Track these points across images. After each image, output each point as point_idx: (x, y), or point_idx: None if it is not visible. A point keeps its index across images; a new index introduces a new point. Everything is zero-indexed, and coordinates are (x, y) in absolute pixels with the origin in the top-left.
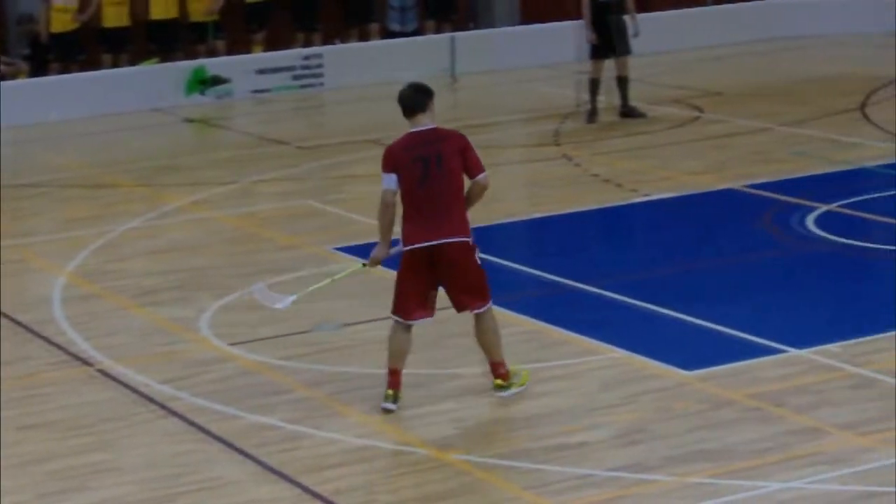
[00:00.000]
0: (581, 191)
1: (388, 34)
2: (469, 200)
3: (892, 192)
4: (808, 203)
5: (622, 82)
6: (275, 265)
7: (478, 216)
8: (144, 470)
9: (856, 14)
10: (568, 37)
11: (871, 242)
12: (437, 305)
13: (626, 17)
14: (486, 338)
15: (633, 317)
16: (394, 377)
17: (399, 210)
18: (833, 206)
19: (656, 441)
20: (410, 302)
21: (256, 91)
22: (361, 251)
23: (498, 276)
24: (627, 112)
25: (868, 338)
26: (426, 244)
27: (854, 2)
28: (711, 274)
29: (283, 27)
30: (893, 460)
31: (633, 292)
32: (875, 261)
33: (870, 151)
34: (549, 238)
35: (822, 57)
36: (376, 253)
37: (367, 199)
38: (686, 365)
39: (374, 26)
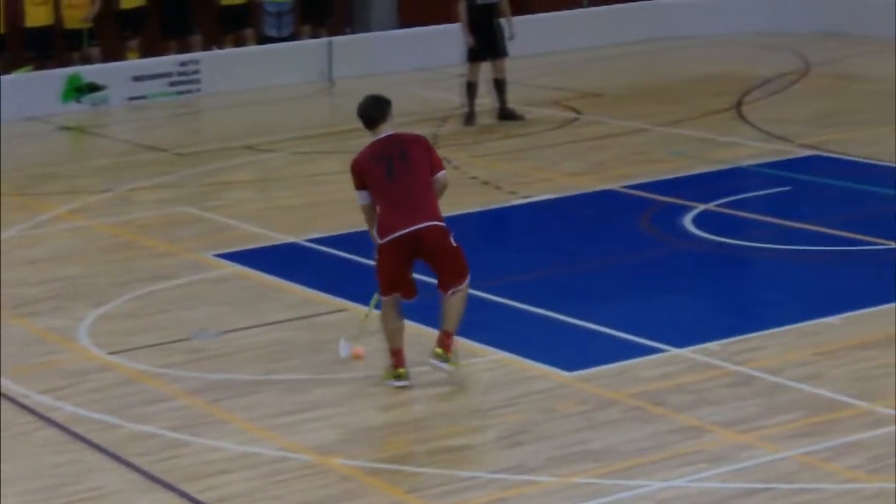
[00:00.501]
0: (461, 193)
1: (264, 39)
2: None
3: (768, 191)
4: (685, 203)
5: (500, 85)
6: (153, 273)
7: (357, 220)
8: (25, 481)
9: (730, 14)
10: (445, 40)
11: (748, 241)
12: (310, 312)
13: (503, 20)
14: (451, 304)
15: (514, 319)
16: (398, 356)
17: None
18: (710, 206)
19: (539, 442)
20: (398, 283)
21: (133, 98)
22: (240, 257)
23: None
24: (505, 114)
25: (746, 336)
26: (408, 230)
27: (728, 2)
28: (591, 275)
29: (159, 33)
30: (772, 457)
31: (514, 294)
32: (752, 259)
33: (746, 151)
34: None
35: (697, 57)
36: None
37: (244, 204)
38: (568, 366)
39: (250, 32)
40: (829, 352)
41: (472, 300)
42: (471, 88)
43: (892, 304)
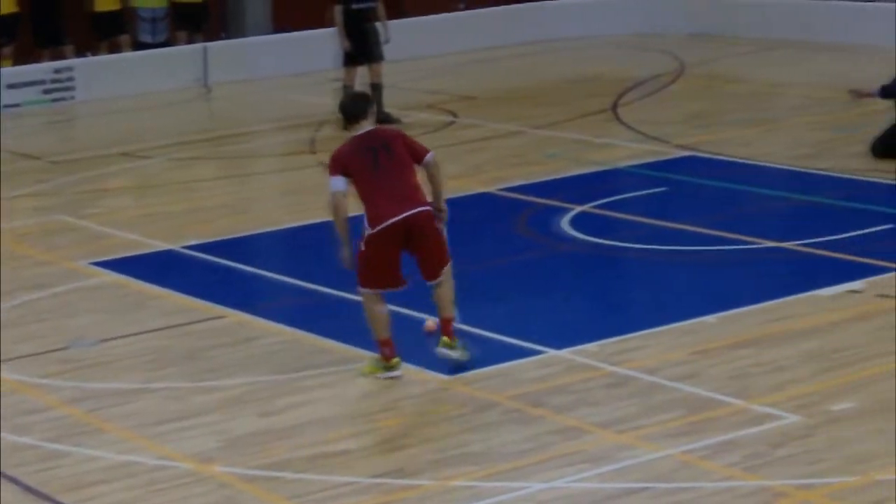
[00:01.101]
0: None
1: (139, 46)
2: (434, 183)
3: (645, 192)
4: (562, 205)
5: (376, 89)
6: (31, 282)
7: (235, 226)
8: None
9: (604, 16)
10: (321, 44)
11: (625, 242)
12: (188, 319)
13: (378, 24)
14: (444, 290)
15: (393, 323)
16: (389, 346)
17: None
18: (587, 207)
19: (419, 446)
20: (387, 275)
21: (7, 106)
22: (117, 265)
23: (256, 285)
24: (382, 118)
25: (624, 336)
26: (399, 218)
27: (602, 3)
28: (470, 278)
29: (32, 41)
30: (651, 456)
31: (391, 298)
32: (629, 260)
33: (621, 152)
34: (307, 246)
35: (573, 59)
36: (342, 255)
37: (121, 212)
38: (447, 369)
39: (125, 38)
40: (705, 351)
41: (350, 306)
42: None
43: (768, 303)
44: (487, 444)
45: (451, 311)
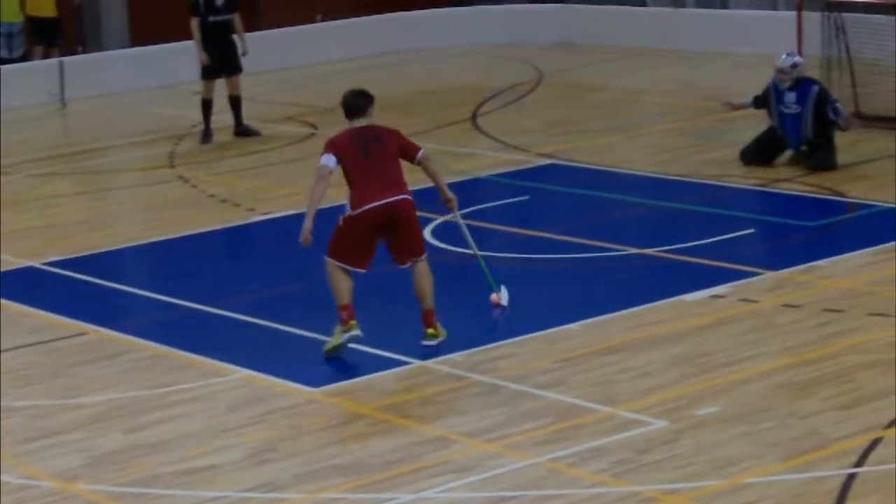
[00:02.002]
0: (199, 212)
1: None
2: (434, 176)
3: (507, 201)
4: (425, 214)
5: (235, 102)
6: None
7: (95, 242)
8: None
9: (461, 26)
10: (179, 57)
11: (489, 251)
12: (52, 336)
13: (236, 37)
14: (423, 281)
15: (257, 336)
16: (347, 311)
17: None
18: (449, 217)
19: (287, 459)
20: (355, 254)
21: None
22: None
23: (119, 301)
24: (242, 131)
25: (490, 345)
26: (383, 202)
27: (459, 14)
28: None
29: None
30: (520, 464)
31: (257, 311)
32: (494, 269)
33: (483, 161)
34: (169, 261)
35: (432, 69)
36: (305, 225)
37: None
38: (314, 382)
39: None
40: (571, 358)
41: (213, 318)
42: (206, 106)
43: (632, 309)
44: (356, 455)
45: (430, 302)
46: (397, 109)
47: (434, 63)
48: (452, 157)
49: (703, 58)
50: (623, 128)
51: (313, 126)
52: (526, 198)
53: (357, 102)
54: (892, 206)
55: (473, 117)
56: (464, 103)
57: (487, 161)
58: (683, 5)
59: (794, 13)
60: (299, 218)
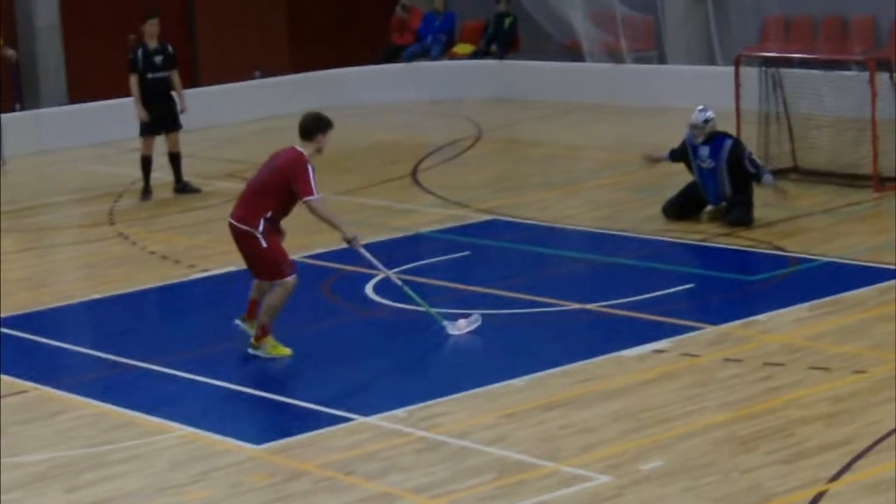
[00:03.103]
0: (139, 269)
1: None
2: (326, 222)
3: (447, 257)
4: (366, 271)
5: (174, 158)
6: None
7: (36, 300)
8: None
9: (399, 82)
10: (117, 114)
11: (430, 307)
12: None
13: (175, 93)
14: (266, 298)
15: (199, 393)
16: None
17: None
18: (391, 273)
19: None
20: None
21: None
22: None
23: (60, 358)
24: (182, 188)
25: (433, 401)
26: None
27: (397, 70)
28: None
29: None
30: None
31: (198, 368)
32: (435, 324)
33: (423, 217)
34: (109, 318)
35: (372, 126)
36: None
37: None
38: (256, 439)
39: None
40: (514, 414)
41: (154, 376)
42: (145, 163)
43: (574, 364)
44: None
45: (261, 318)
46: (336, 166)
47: (372, 119)
48: (393, 213)
49: (642, 113)
50: (562, 183)
51: None
52: (466, 253)
53: (301, 123)
54: (830, 260)
55: (413, 173)
56: (403, 159)
57: (428, 217)
58: (622, 61)
59: (731, 68)
60: (239, 275)
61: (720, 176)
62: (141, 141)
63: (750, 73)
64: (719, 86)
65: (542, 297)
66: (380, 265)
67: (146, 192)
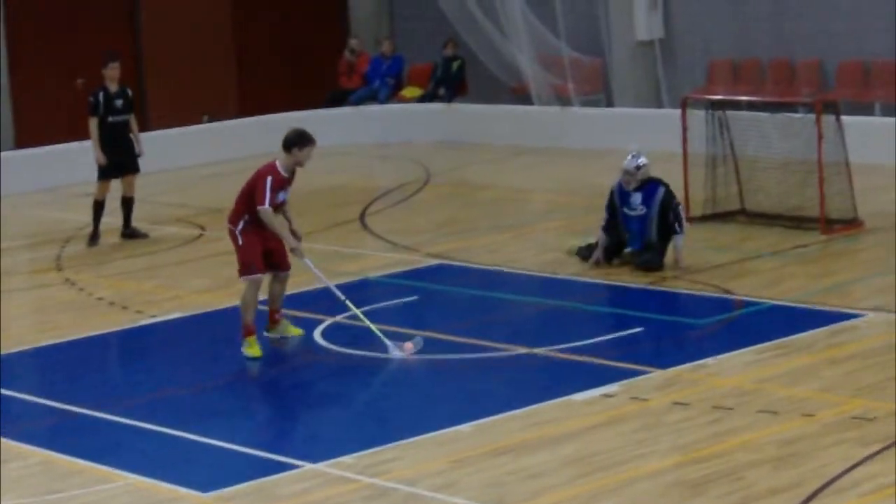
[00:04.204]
0: (87, 315)
1: None
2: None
3: (396, 301)
4: (314, 316)
5: (127, 203)
6: None
7: None
8: None
9: (347, 125)
10: (66, 159)
11: (378, 352)
12: None
13: (132, 136)
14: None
15: (146, 441)
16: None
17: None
18: (339, 318)
19: None
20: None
21: None
22: None
23: (6, 406)
24: (129, 233)
25: (381, 448)
26: None
27: (344, 114)
28: (223, 392)
29: None
30: None
31: (145, 416)
32: (383, 370)
33: (372, 262)
34: (57, 365)
35: (318, 169)
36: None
37: None
38: (204, 486)
39: None
40: (462, 460)
41: (101, 423)
42: (98, 207)
43: (523, 409)
44: None
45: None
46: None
47: (320, 163)
48: (341, 257)
49: (591, 155)
50: (511, 227)
51: (201, 228)
52: (415, 298)
53: (284, 137)
54: (778, 303)
55: (362, 217)
56: (351, 203)
57: (376, 261)
58: (570, 104)
59: (678, 111)
60: (187, 321)
61: (649, 223)
62: (97, 185)
63: (697, 116)
64: (666, 128)
65: (490, 342)
66: (323, 277)
67: (94, 237)
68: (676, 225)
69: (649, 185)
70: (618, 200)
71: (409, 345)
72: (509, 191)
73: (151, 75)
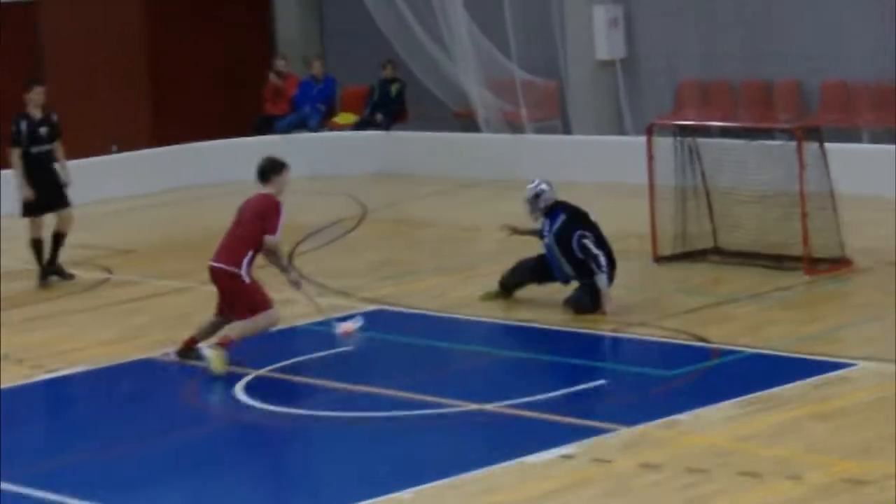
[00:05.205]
0: None
1: None
2: (273, 263)
3: (328, 352)
4: (234, 369)
5: (58, 239)
6: None
7: None
8: None
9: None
10: None
11: (308, 409)
12: None
13: (58, 165)
14: (236, 324)
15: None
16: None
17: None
18: (263, 371)
19: None
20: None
21: None
22: None
23: None
24: (55, 271)
25: None
26: (210, 265)
27: (263, 143)
28: (133, 456)
29: None
30: None
31: (40, 483)
32: (313, 428)
33: (300, 308)
34: None
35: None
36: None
37: None
38: None
39: None
40: None
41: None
42: (36, 246)
43: (471, 473)
44: None
45: (232, 335)
46: (200, 248)
47: (242, 198)
48: None
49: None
50: (458, 268)
51: (108, 270)
52: (349, 349)
53: (261, 168)
54: (758, 351)
55: (289, 258)
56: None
57: (306, 308)
58: (522, 131)
59: (643, 138)
60: (92, 375)
61: (554, 253)
62: (28, 222)
63: (664, 144)
64: (630, 158)
65: (434, 397)
66: (320, 305)
67: (44, 275)
68: (593, 264)
69: (555, 212)
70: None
71: (348, 324)
72: (456, 228)
73: (52, 98)
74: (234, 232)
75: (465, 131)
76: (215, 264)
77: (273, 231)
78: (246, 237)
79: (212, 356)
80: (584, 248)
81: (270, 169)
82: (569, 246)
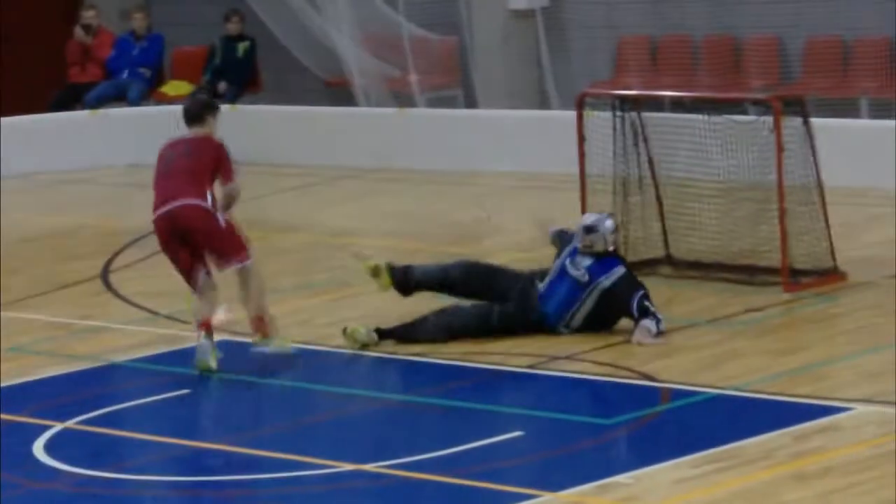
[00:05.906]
0: None
1: None
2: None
3: (157, 398)
4: (33, 421)
5: None
6: None
7: None
8: None
9: (85, 140)
10: None
11: (131, 472)
12: None
13: None
14: (249, 289)
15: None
16: (204, 325)
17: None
18: (71, 424)
19: None
20: (175, 265)
21: None
22: None
23: None
24: None
25: None
26: (163, 210)
27: (79, 122)
28: None
29: None
30: None
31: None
32: (138, 499)
33: (118, 339)
34: None
35: (42, 206)
36: None
37: None
38: None
39: None
40: None
41: None
42: None
43: None
44: None
45: (258, 308)
46: None
47: (41, 197)
48: (74, 334)
49: (442, 180)
50: (329, 285)
51: None
52: (185, 392)
53: (192, 109)
54: (721, 392)
55: (104, 274)
56: (89, 254)
57: (126, 338)
58: (412, 104)
59: (572, 113)
60: None
61: (583, 301)
62: None
63: (600, 120)
64: (552, 138)
65: (300, 456)
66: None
67: None
68: (640, 315)
69: (609, 260)
70: (562, 247)
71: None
72: (325, 233)
73: None
74: (185, 168)
75: (336, 105)
76: (185, 201)
77: (231, 177)
78: (199, 177)
79: (278, 344)
80: (644, 310)
81: (205, 109)
82: (621, 303)
